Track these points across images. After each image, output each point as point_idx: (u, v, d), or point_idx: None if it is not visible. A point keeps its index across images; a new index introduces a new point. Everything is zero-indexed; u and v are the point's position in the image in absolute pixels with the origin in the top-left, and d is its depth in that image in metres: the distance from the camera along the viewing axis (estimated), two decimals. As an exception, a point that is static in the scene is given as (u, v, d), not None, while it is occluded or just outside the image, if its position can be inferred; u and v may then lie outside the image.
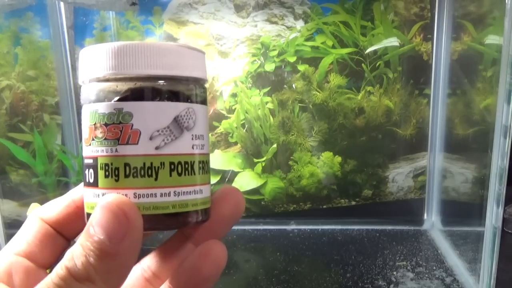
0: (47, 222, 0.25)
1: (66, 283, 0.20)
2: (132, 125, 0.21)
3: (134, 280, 0.26)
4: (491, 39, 0.68)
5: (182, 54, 0.22)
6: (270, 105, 0.89)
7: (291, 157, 0.90)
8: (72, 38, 0.89)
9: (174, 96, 0.22)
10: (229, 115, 0.90)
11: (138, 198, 0.22)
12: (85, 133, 0.22)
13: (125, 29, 0.88)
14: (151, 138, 0.21)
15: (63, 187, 0.92)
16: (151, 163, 0.21)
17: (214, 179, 0.92)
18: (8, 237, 0.69)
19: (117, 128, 0.21)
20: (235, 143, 0.91)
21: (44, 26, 0.88)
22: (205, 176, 0.23)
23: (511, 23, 0.50)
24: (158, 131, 0.22)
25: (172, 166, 0.22)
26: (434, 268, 0.72)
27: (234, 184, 0.92)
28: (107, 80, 0.22)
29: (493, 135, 0.55)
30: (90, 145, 0.22)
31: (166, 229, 0.23)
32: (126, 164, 0.21)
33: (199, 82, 0.24)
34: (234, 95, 0.89)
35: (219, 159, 0.91)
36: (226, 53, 0.88)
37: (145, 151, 0.21)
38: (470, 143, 0.77)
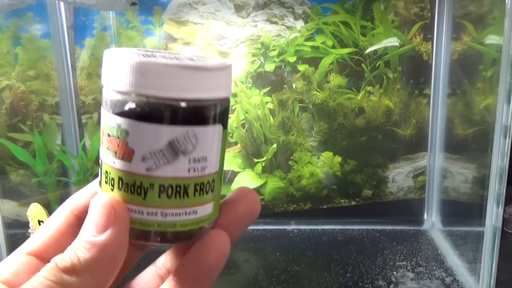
0: (78, 213, 0.25)
1: (54, 275, 0.20)
2: (127, 143, 0.21)
3: (148, 278, 0.26)
4: (491, 39, 0.68)
5: (189, 75, 0.21)
6: (270, 105, 0.89)
7: (291, 157, 0.90)
8: (72, 38, 0.89)
9: (172, 119, 0.21)
10: (229, 115, 0.90)
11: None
12: (100, 131, 0.23)
13: (125, 29, 0.88)
14: (143, 159, 0.21)
15: (63, 187, 0.92)
16: (141, 183, 0.21)
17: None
18: (8, 237, 0.69)
19: (116, 142, 0.21)
20: (235, 143, 0.91)
21: (44, 26, 0.88)
22: (204, 196, 0.22)
23: (511, 23, 0.50)
24: (150, 153, 0.21)
25: (162, 189, 0.21)
26: (434, 268, 0.72)
27: (234, 184, 0.92)
28: (114, 91, 0.22)
29: (493, 135, 0.55)
30: (101, 146, 0.23)
31: (155, 244, 0.23)
32: (119, 178, 0.22)
33: (211, 102, 0.22)
34: (234, 95, 0.89)
35: (219, 159, 0.91)
36: (226, 53, 0.88)
37: (137, 170, 0.21)
38: (470, 143, 0.77)
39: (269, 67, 0.87)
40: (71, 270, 0.20)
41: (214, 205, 0.23)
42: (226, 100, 0.23)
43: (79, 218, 0.25)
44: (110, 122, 0.21)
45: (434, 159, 0.88)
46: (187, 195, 0.22)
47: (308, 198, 0.92)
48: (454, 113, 0.83)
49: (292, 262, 0.76)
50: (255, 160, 0.91)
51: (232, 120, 0.90)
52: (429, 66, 0.85)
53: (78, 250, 0.21)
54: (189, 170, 0.21)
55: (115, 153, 0.21)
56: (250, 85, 0.88)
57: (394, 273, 0.71)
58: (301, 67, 0.87)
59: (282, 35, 0.86)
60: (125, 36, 0.88)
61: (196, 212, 0.22)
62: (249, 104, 0.89)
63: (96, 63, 0.90)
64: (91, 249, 0.21)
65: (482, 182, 0.63)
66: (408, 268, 0.72)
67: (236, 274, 0.72)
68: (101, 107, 0.23)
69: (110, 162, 0.22)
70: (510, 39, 0.50)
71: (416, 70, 0.86)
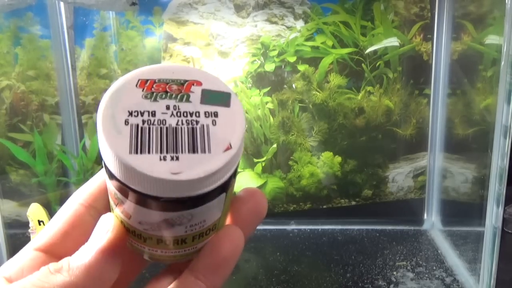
0: (88, 204, 0.25)
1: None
2: (125, 208, 0.21)
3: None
4: (491, 39, 0.68)
5: (182, 185, 0.19)
6: (270, 105, 0.89)
7: (291, 157, 0.90)
8: (72, 38, 0.89)
9: (164, 208, 0.20)
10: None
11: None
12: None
13: (125, 29, 0.88)
14: (140, 223, 0.21)
15: (63, 187, 0.92)
16: (140, 235, 0.22)
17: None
18: (8, 237, 0.69)
19: (116, 200, 0.21)
20: (235, 143, 0.91)
21: (44, 26, 0.88)
22: (204, 238, 0.23)
23: (511, 23, 0.50)
24: (146, 222, 0.21)
25: (160, 240, 0.22)
26: (434, 268, 0.72)
27: (234, 184, 0.92)
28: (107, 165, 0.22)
29: (493, 135, 0.55)
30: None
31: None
32: (121, 221, 0.22)
33: (203, 193, 0.20)
34: (234, 95, 0.89)
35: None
36: (226, 53, 0.88)
37: (135, 226, 0.22)
38: (470, 143, 0.77)
39: (269, 67, 0.87)
40: (58, 270, 0.21)
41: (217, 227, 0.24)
42: (225, 179, 0.21)
43: (88, 208, 0.25)
44: (108, 182, 0.21)
45: (434, 159, 0.88)
46: (185, 243, 0.23)
47: (308, 198, 0.92)
48: (454, 113, 0.83)
49: (292, 262, 0.76)
50: (255, 160, 0.91)
51: (232, 120, 0.90)
52: (429, 66, 0.85)
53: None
54: (186, 231, 0.22)
55: (116, 205, 0.22)
56: (250, 85, 0.88)
57: (394, 273, 0.71)
58: (301, 67, 0.86)
59: (282, 35, 0.86)
60: (125, 36, 0.88)
61: (195, 248, 0.23)
62: (249, 104, 0.89)
63: (96, 63, 0.90)
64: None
65: (482, 182, 0.63)
66: (408, 268, 0.72)
67: (236, 274, 0.72)
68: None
69: (113, 202, 0.22)
70: (510, 39, 0.50)
71: (416, 70, 0.86)
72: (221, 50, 0.88)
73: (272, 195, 0.92)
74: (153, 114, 0.20)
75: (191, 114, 0.20)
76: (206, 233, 0.23)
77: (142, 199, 0.20)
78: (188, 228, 0.21)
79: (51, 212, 0.76)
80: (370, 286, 0.67)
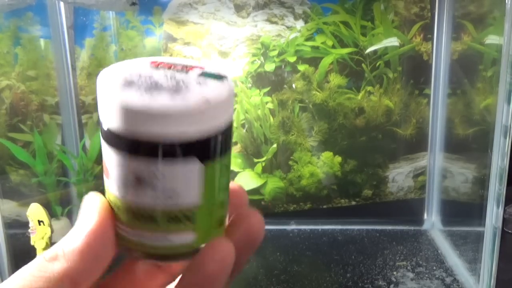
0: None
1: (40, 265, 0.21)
2: (105, 163, 0.22)
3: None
4: (491, 39, 0.68)
5: (159, 118, 0.20)
6: (270, 105, 0.89)
7: (291, 157, 0.90)
8: (72, 38, 0.89)
9: (138, 151, 0.21)
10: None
11: None
12: None
13: (125, 29, 0.88)
14: (115, 182, 0.22)
15: (63, 187, 0.92)
16: (115, 201, 0.22)
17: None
18: (8, 237, 0.69)
19: (104, 161, 0.23)
20: (235, 143, 0.91)
21: (44, 26, 0.88)
22: (179, 225, 0.22)
23: (511, 23, 0.50)
24: (118, 177, 0.22)
25: (129, 211, 0.22)
26: (434, 268, 0.72)
27: (234, 184, 0.92)
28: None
29: (493, 135, 0.55)
30: None
31: (134, 257, 0.24)
32: (105, 191, 0.23)
33: (175, 139, 0.21)
34: (234, 95, 0.89)
35: (219, 159, 0.91)
36: (226, 53, 0.88)
37: (111, 190, 0.22)
38: (470, 143, 0.77)
39: (269, 67, 0.87)
40: (54, 258, 0.21)
41: (199, 234, 0.23)
42: (203, 136, 0.21)
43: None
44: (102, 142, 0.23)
45: (434, 159, 0.88)
46: (155, 222, 0.22)
47: (308, 198, 0.92)
48: (454, 113, 0.83)
49: (292, 262, 0.76)
50: (255, 160, 0.91)
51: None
52: (429, 66, 0.85)
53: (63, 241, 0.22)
54: (155, 200, 0.22)
55: (104, 174, 0.23)
56: (250, 85, 0.88)
57: (394, 273, 0.71)
58: (301, 67, 0.87)
59: (282, 35, 0.86)
60: (125, 36, 0.88)
61: (168, 239, 0.22)
62: (249, 104, 0.89)
63: (96, 63, 0.90)
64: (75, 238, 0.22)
65: (482, 182, 0.63)
66: (408, 268, 0.72)
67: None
68: None
69: (104, 176, 0.23)
70: (510, 39, 0.50)
71: (416, 70, 0.86)
72: (221, 50, 0.88)
73: (272, 195, 0.92)
74: (150, 76, 0.22)
75: (182, 80, 0.22)
76: (181, 220, 0.22)
77: (113, 137, 0.21)
78: (159, 195, 0.21)
79: (51, 212, 0.76)
80: (370, 286, 0.67)
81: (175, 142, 0.21)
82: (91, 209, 0.22)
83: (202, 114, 0.21)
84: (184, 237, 0.22)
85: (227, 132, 0.23)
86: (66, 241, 0.22)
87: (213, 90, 0.22)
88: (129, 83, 0.21)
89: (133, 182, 0.21)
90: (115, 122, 0.21)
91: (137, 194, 0.21)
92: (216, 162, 0.22)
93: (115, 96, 0.20)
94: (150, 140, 0.20)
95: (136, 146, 0.21)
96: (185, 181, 0.22)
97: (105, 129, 0.21)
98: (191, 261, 0.22)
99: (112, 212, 0.22)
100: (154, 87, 0.21)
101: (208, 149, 0.22)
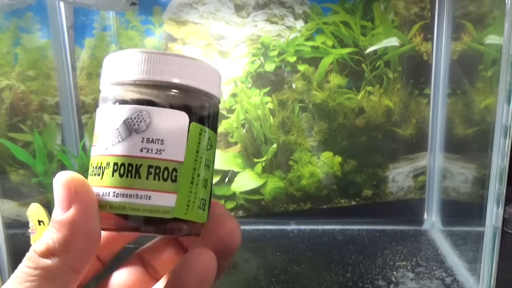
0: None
1: (33, 262, 0.21)
2: (95, 128, 0.24)
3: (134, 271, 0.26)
4: (491, 39, 0.68)
5: (144, 59, 0.23)
6: (270, 105, 0.89)
7: (291, 157, 0.90)
8: (72, 38, 0.89)
9: (128, 99, 0.23)
10: (229, 115, 0.90)
11: None
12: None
13: (125, 29, 0.88)
14: (103, 140, 0.23)
15: (63, 187, 0.92)
16: (101, 163, 0.23)
17: (214, 179, 0.92)
18: (8, 237, 0.69)
19: (94, 133, 0.24)
20: (235, 143, 0.91)
21: (44, 26, 0.88)
22: (163, 184, 0.22)
23: (511, 23, 0.50)
24: (108, 132, 0.23)
25: (115, 167, 0.22)
26: (434, 268, 0.72)
27: (234, 184, 0.92)
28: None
29: (493, 135, 0.55)
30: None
31: (114, 230, 0.23)
32: (90, 164, 0.24)
33: (163, 85, 0.23)
34: (234, 95, 0.89)
35: (219, 159, 0.91)
36: (226, 53, 0.88)
37: (98, 152, 0.23)
38: (470, 143, 0.77)
39: (269, 67, 0.87)
40: (46, 253, 0.21)
41: (178, 199, 0.23)
42: (191, 89, 0.23)
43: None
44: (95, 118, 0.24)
45: (434, 159, 0.88)
46: (139, 176, 0.22)
47: (308, 198, 0.92)
48: (454, 113, 0.83)
49: (292, 262, 0.76)
50: (255, 160, 0.91)
51: (232, 120, 0.90)
52: (429, 66, 0.85)
53: (50, 232, 0.21)
54: (141, 150, 0.22)
55: (92, 142, 0.24)
56: (250, 85, 0.88)
57: (394, 273, 0.71)
58: (301, 67, 0.86)
59: (282, 35, 0.86)
60: (125, 36, 0.88)
61: (150, 198, 0.22)
62: (249, 104, 0.89)
63: (96, 63, 0.90)
64: (61, 228, 0.21)
65: (482, 182, 0.62)
66: (408, 268, 0.72)
67: (236, 274, 0.72)
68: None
69: (91, 151, 0.24)
70: (510, 39, 0.50)
71: (416, 70, 0.86)
72: (221, 50, 0.88)
73: (272, 195, 0.92)
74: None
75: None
76: (165, 177, 0.22)
77: (111, 90, 0.23)
78: (144, 143, 0.22)
79: (51, 212, 0.76)
80: (370, 286, 0.67)
81: (171, 88, 0.23)
82: (67, 190, 0.21)
83: (200, 69, 0.23)
84: (165, 198, 0.22)
85: (214, 110, 0.25)
86: (53, 231, 0.21)
87: (211, 64, 0.24)
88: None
89: (122, 130, 0.22)
90: (127, 72, 0.22)
91: (127, 145, 0.22)
92: (202, 128, 0.24)
93: (126, 50, 0.23)
94: (141, 83, 0.22)
95: (136, 89, 0.23)
96: (173, 133, 0.22)
97: (108, 85, 0.23)
98: (172, 270, 0.22)
99: (89, 188, 0.22)
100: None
101: (197, 109, 0.23)
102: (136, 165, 0.22)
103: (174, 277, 0.21)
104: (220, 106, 0.91)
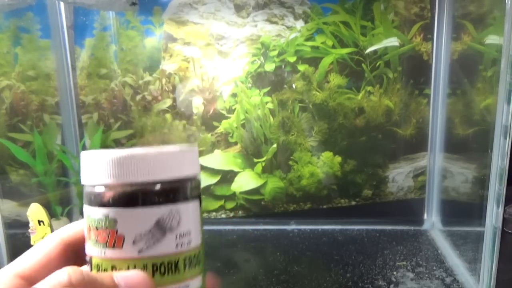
0: (68, 242, 0.25)
1: None
2: (117, 231, 0.23)
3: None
4: (491, 39, 0.68)
5: (164, 159, 0.23)
6: (270, 105, 0.89)
7: (291, 157, 0.90)
8: (72, 38, 0.89)
9: (156, 200, 0.23)
10: (229, 115, 0.90)
11: None
12: (85, 229, 0.25)
13: (125, 29, 0.88)
14: (134, 242, 0.23)
15: (63, 187, 0.92)
16: (135, 266, 0.23)
17: (214, 179, 0.92)
18: (8, 237, 0.69)
19: (105, 233, 0.23)
20: (235, 143, 0.91)
21: (44, 26, 0.88)
22: (194, 270, 0.24)
23: (511, 23, 0.50)
24: (140, 235, 0.23)
25: (155, 268, 0.23)
26: (434, 268, 0.72)
27: (234, 184, 0.92)
28: (98, 186, 0.24)
29: (493, 135, 0.55)
30: (88, 243, 0.24)
31: None
32: (113, 267, 0.23)
33: (185, 180, 0.24)
34: (234, 95, 0.89)
35: (219, 159, 0.91)
36: (226, 53, 0.88)
37: (129, 255, 0.23)
38: (470, 143, 0.77)
39: (269, 67, 0.87)
40: None
41: (202, 278, 0.24)
42: (198, 177, 0.25)
43: (69, 246, 0.25)
44: (96, 215, 0.23)
45: (434, 159, 0.88)
46: (178, 271, 0.23)
47: (308, 198, 0.92)
48: (454, 113, 0.83)
49: (292, 262, 0.76)
50: (255, 160, 0.91)
51: (232, 120, 0.90)
52: (429, 66, 0.85)
53: None
54: (176, 246, 0.23)
55: (106, 244, 0.23)
56: (250, 85, 0.88)
57: (394, 273, 0.71)
58: (301, 67, 0.87)
59: (282, 35, 0.86)
60: (125, 36, 0.88)
61: (189, 286, 0.24)
62: (249, 104, 0.89)
63: (96, 63, 0.90)
64: None
65: (482, 182, 0.62)
66: (408, 268, 0.72)
67: (236, 274, 0.72)
68: (84, 205, 0.24)
69: (100, 254, 0.23)
70: (510, 39, 0.50)
71: (416, 70, 0.86)
72: (221, 50, 0.88)
73: (272, 195, 0.92)
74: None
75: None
76: (195, 263, 0.24)
77: (139, 193, 0.23)
78: (178, 239, 0.23)
79: (51, 212, 0.76)
80: (370, 286, 0.67)
81: (190, 180, 0.24)
82: None
83: (195, 155, 0.25)
84: (197, 281, 0.24)
85: (199, 181, 0.26)
86: None
87: (187, 146, 0.25)
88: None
89: (156, 231, 0.23)
90: (137, 175, 0.22)
91: (164, 244, 0.23)
92: (201, 201, 0.25)
93: (130, 154, 0.23)
94: (170, 184, 0.23)
95: (159, 194, 0.23)
96: (194, 220, 0.24)
97: (121, 194, 0.23)
98: None
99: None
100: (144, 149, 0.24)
101: (199, 188, 0.25)
102: (175, 261, 0.23)
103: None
104: (220, 106, 0.91)
